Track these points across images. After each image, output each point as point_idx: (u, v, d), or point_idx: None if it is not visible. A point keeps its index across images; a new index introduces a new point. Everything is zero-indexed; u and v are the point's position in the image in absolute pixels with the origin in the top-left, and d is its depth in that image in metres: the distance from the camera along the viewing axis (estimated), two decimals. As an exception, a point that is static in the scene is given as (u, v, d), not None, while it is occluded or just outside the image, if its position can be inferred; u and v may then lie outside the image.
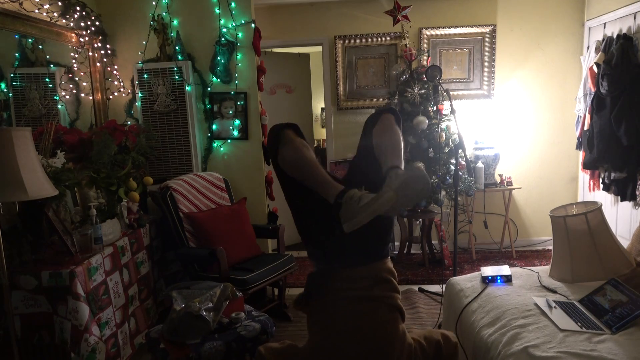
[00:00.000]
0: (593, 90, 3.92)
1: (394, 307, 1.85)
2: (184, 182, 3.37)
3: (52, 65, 3.10)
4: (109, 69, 3.69)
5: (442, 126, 4.08)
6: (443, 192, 4.04)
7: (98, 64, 3.60)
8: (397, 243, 4.59)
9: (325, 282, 1.85)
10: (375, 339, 1.79)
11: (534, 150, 4.68)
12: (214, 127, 3.79)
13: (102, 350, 2.28)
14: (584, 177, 4.48)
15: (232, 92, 3.75)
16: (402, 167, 1.63)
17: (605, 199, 4.10)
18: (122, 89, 3.78)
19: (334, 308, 1.83)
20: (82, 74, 3.42)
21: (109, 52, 3.71)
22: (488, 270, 2.66)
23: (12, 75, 2.79)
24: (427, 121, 3.92)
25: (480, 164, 4.36)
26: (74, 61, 3.32)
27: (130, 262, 2.86)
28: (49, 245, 2.45)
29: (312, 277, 1.94)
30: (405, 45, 4.26)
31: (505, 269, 2.65)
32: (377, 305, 1.82)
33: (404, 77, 4.20)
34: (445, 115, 4.15)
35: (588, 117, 4.06)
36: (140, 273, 2.98)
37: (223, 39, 3.67)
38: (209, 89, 3.77)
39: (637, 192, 3.65)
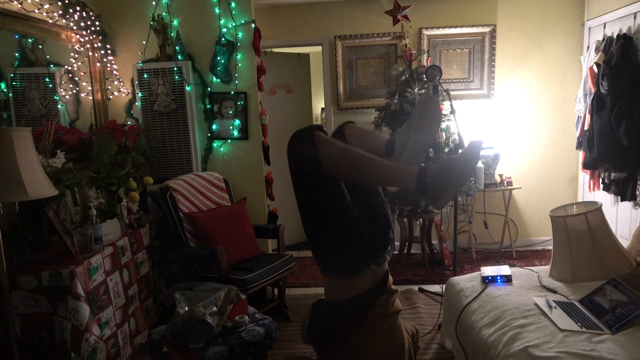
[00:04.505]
0: (593, 90, 3.92)
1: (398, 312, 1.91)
2: (184, 182, 3.37)
3: (52, 65, 3.09)
4: (109, 69, 3.69)
5: (442, 126, 4.08)
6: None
7: (98, 64, 3.60)
8: (397, 243, 4.58)
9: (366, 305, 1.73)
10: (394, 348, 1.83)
11: (534, 150, 4.68)
12: (214, 127, 3.79)
13: (102, 350, 2.28)
14: (584, 177, 4.48)
15: (232, 92, 3.75)
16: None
17: (605, 199, 4.10)
18: (122, 89, 3.78)
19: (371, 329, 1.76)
20: (82, 74, 3.42)
21: (109, 52, 3.71)
22: (488, 270, 2.67)
23: (12, 75, 2.78)
24: (427, 121, 3.91)
25: (480, 164, 4.36)
26: (73, 61, 3.32)
27: (130, 262, 2.86)
28: (49, 245, 2.45)
29: (347, 304, 1.73)
30: (405, 45, 4.26)
31: (505, 269, 2.65)
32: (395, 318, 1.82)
33: (404, 77, 4.20)
34: (446, 115, 4.14)
35: (588, 117, 4.06)
36: (140, 273, 2.98)
37: (223, 39, 3.67)
38: (209, 89, 3.77)
39: (637, 192, 3.65)
